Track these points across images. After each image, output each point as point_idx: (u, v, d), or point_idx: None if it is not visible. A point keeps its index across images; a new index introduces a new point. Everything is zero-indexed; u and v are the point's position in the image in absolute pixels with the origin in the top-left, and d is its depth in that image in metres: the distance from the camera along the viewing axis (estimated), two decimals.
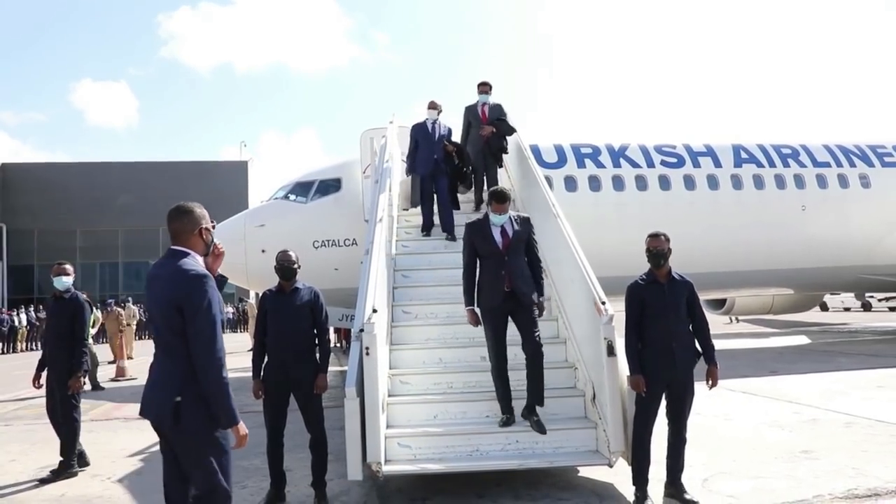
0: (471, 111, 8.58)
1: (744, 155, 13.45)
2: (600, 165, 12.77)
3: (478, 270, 4.99)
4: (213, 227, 2.90)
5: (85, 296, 5.98)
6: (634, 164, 12.91)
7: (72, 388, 5.50)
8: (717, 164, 13.20)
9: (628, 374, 4.28)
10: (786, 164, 13.47)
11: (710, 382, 4.25)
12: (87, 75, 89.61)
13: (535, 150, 10.82)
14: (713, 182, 13.01)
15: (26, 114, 79.24)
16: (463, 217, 7.79)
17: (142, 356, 18.48)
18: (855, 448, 5.30)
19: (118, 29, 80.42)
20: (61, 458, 5.47)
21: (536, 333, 4.81)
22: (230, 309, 36.42)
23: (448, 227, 7.74)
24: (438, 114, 8.36)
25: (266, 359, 4.61)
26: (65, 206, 36.81)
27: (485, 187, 8.28)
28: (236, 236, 11.60)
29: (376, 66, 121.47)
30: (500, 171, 8.61)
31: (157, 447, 6.54)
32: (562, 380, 5.30)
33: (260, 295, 5.23)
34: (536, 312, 4.90)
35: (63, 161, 50.42)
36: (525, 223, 5.04)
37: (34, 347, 25.87)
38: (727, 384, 8.63)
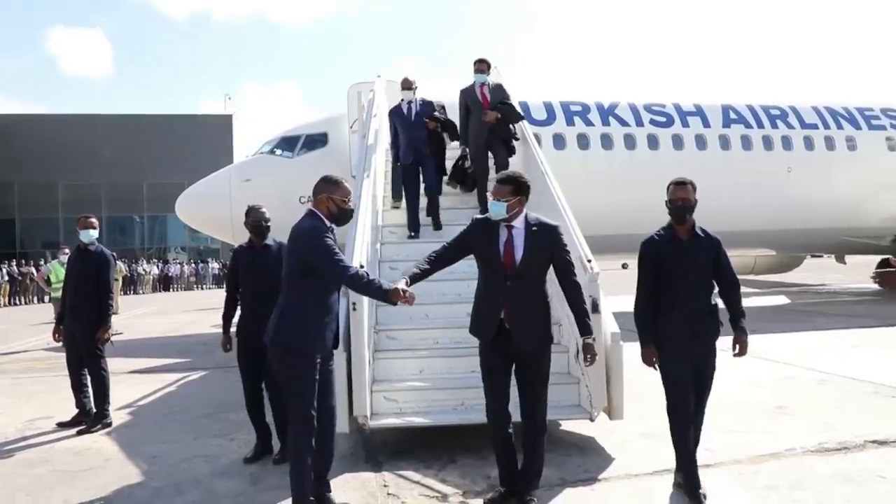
0: (468, 94, 7.33)
1: (732, 115, 13.42)
2: (589, 123, 12.71)
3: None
4: (347, 201, 3.53)
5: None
6: (623, 123, 12.86)
7: (99, 339, 5.53)
8: (706, 124, 13.18)
9: (641, 344, 3.70)
10: (774, 125, 13.48)
11: (738, 349, 3.70)
12: (59, 21, 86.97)
13: (525, 107, 10.71)
14: (701, 142, 13.01)
15: None
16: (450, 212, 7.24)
17: (128, 310, 18.45)
18: (829, 404, 5.47)
19: None
20: (94, 410, 5.56)
21: (540, 405, 3.50)
22: (216, 265, 36.33)
23: (433, 213, 7.03)
24: (414, 92, 7.44)
25: (239, 314, 4.63)
26: (47, 159, 36.07)
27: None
28: (222, 191, 11.52)
29: (361, 16, 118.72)
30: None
31: (146, 401, 6.62)
32: None
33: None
34: (584, 359, 3.52)
35: (43, 113, 49.34)
36: (548, 233, 3.48)
37: (16, 302, 25.66)
38: None
